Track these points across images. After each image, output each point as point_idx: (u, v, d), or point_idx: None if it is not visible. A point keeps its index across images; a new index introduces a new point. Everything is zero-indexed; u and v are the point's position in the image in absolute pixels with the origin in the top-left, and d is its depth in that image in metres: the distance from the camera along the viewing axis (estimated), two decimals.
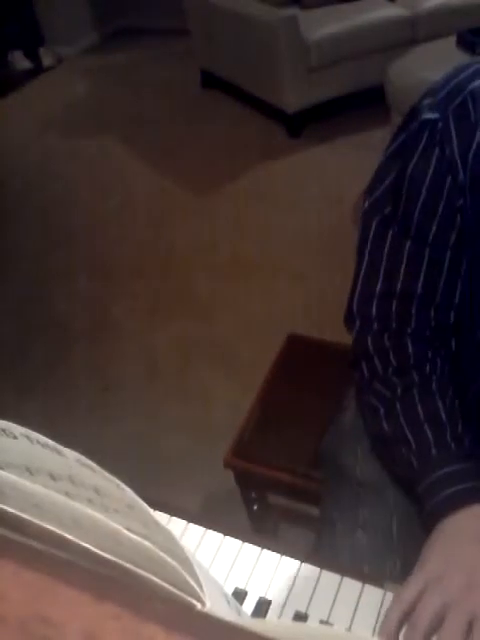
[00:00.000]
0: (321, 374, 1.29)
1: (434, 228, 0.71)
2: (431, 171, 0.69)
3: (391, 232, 0.74)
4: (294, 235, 2.57)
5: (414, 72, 2.42)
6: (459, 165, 0.67)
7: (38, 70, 4.58)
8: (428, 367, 0.74)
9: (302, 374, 1.32)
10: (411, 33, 3.15)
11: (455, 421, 0.72)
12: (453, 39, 2.64)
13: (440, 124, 0.67)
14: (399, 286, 0.74)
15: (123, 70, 4.39)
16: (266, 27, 3.02)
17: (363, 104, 3.21)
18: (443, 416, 0.71)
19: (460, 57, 2.50)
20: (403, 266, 0.74)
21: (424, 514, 0.69)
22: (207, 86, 3.87)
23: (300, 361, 1.35)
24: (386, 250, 0.75)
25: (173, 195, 2.98)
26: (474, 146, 0.66)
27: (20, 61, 4.63)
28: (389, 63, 2.73)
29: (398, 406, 0.74)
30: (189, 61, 3.93)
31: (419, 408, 0.72)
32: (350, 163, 2.84)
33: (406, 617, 0.59)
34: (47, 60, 4.66)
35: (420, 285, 0.73)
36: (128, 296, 2.43)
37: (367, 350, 0.78)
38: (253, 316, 2.22)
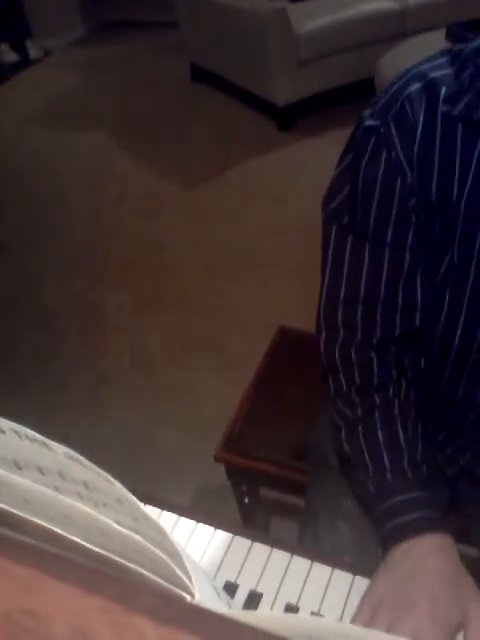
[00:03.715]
0: (311, 367, 1.29)
1: (391, 229, 0.71)
2: (381, 172, 0.69)
3: (350, 237, 0.74)
4: (284, 228, 2.57)
5: (404, 65, 2.41)
6: (406, 167, 0.68)
7: (25, 63, 4.55)
8: (391, 389, 0.75)
9: (293, 367, 1.32)
10: (401, 26, 3.15)
11: (414, 447, 0.72)
12: (442, 32, 2.64)
13: (382, 130, 0.68)
14: (362, 291, 0.75)
15: (111, 63, 4.36)
16: (256, 20, 3.01)
17: (353, 97, 3.20)
18: (402, 442, 0.72)
19: None
20: (365, 269, 0.74)
21: (379, 538, 0.70)
22: (196, 79, 3.85)
23: (291, 354, 1.35)
24: (347, 256, 0.75)
25: (163, 189, 2.97)
26: (416, 147, 0.67)
27: (7, 54, 4.59)
28: (379, 56, 2.74)
29: (359, 428, 0.74)
30: (178, 54, 3.91)
31: (379, 433, 0.73)
32: None
33: None
34: (34, 53, 4.62)
35: (382, 288, 0.74)
36: (119, 291, 2.42)
37: (334, 362, 0.79)
38: (244, 310, 2.22)
